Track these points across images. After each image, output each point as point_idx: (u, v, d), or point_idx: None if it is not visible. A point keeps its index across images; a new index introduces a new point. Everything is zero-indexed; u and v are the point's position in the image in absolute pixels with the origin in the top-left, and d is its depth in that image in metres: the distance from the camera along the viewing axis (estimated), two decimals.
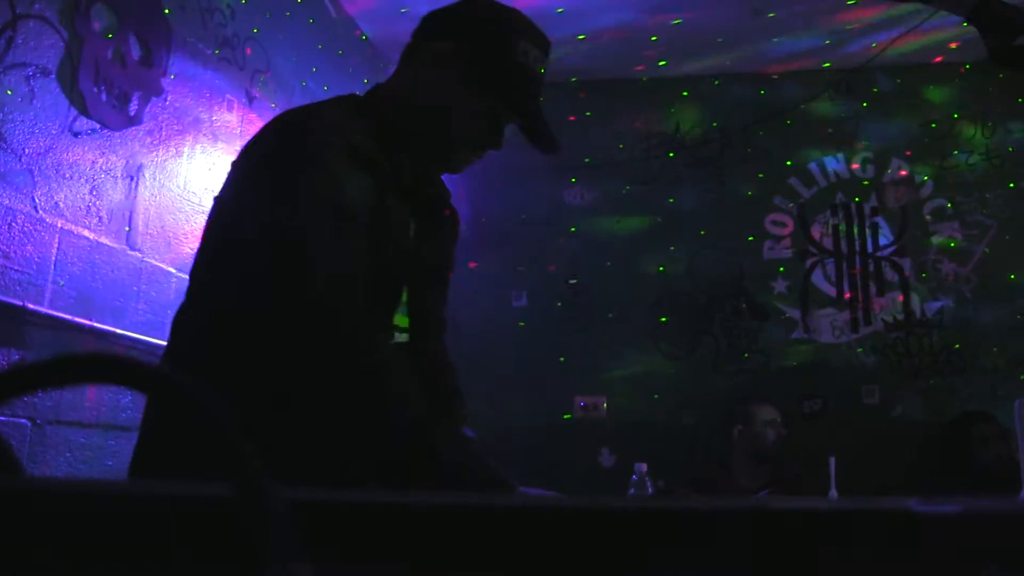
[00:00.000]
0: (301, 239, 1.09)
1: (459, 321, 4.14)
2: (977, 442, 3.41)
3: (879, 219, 4.11)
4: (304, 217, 1.10)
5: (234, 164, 1.25)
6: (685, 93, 4.36)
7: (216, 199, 1.27)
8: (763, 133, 4.24)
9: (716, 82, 4.33)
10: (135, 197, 2.45)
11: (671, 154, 4.29)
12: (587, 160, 4.30)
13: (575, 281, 4.20)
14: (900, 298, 4.00)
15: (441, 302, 1.44)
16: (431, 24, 1.38)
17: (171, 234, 2.61)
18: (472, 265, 4.19)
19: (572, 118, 4.37)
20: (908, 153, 4.13)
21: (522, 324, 4.18)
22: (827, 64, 4.21)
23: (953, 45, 4.00)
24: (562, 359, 4.10)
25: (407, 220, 1.29)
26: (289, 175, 1.13)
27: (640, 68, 4.29)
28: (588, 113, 4.38)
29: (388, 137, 1.27)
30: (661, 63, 4.25)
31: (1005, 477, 3.27)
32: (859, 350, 3.96)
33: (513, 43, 1.31)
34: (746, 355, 4.04)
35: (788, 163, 4.21)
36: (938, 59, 4.15)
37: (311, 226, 1.10)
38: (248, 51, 3.03)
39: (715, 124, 4.30)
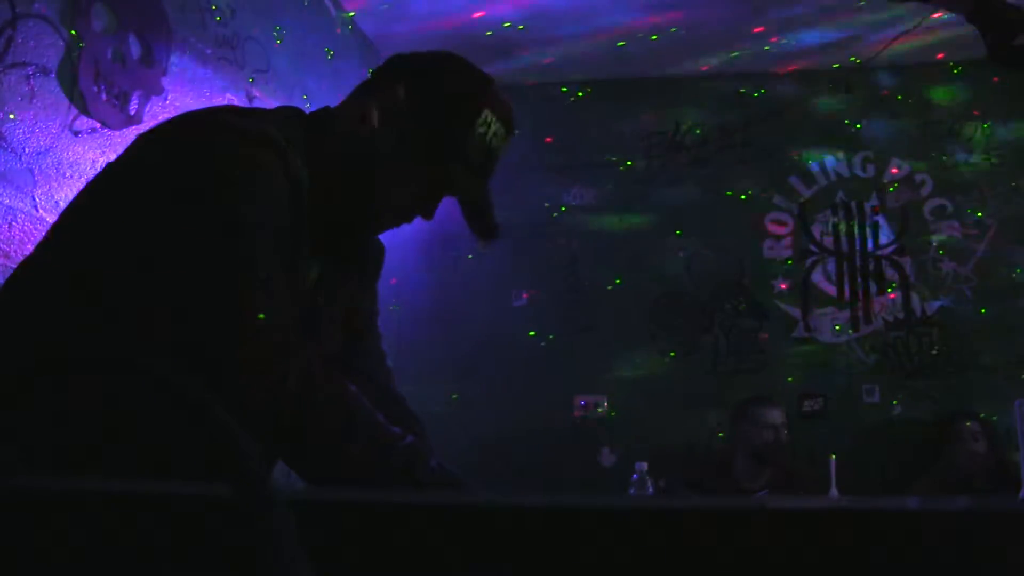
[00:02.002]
0: (246, 272, 1.00)
1: (459, 321, 4.17)
2: (954, 440, 3.42)
3: (879, 218, 4.11)
4: (250, 250, 1.02)
5: (149, 142, 1.10)
6: (685, 92, 4.36)
7: (114, 172, 1.11)
8: (763, 132, 4.24)
9: (716, 81, 4.33)
10: None
11: (671, 154, 4.29)
12: (587, 160, 4.30)
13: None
14: (899, 297, 4.00)
15: (363, 336, 1.35)
16: (397, 65, 1.25)
17: None
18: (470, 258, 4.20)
19: (572, 118, 4.37)
20: (908, 152, 4.13)
21: (522, 324, 4.18)
22: (827, 63, 4.21)
23: (953, 44, 4.00)
24: (562, 359, 4.10)
25: (307, 264, 1.18)
26: (225, 190, 1.03)
27: (640, 67, 4.29)
28: (588, 113, 4.38)
29: (320, 174, 1.15)
30: (661, 62, 4.24)
31: (980, 475, 3.27)
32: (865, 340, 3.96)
33: (476, 112, 1.18)
34: (746, 354, 4.04)
35: (788, 162, 4.21)
36: (938, 58, 4.14)
37: (256, 258, 1.02)
38: (248, 50, 3.03)
39: (715, 123, 4.30)
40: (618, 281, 4.17)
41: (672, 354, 4.08)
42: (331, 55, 3.65)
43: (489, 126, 1.18)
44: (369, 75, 1.29)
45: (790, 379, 3.95)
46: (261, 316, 1.00)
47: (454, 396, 4.05)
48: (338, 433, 1.01)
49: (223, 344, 0.99)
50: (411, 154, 1.18)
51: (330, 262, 1.23)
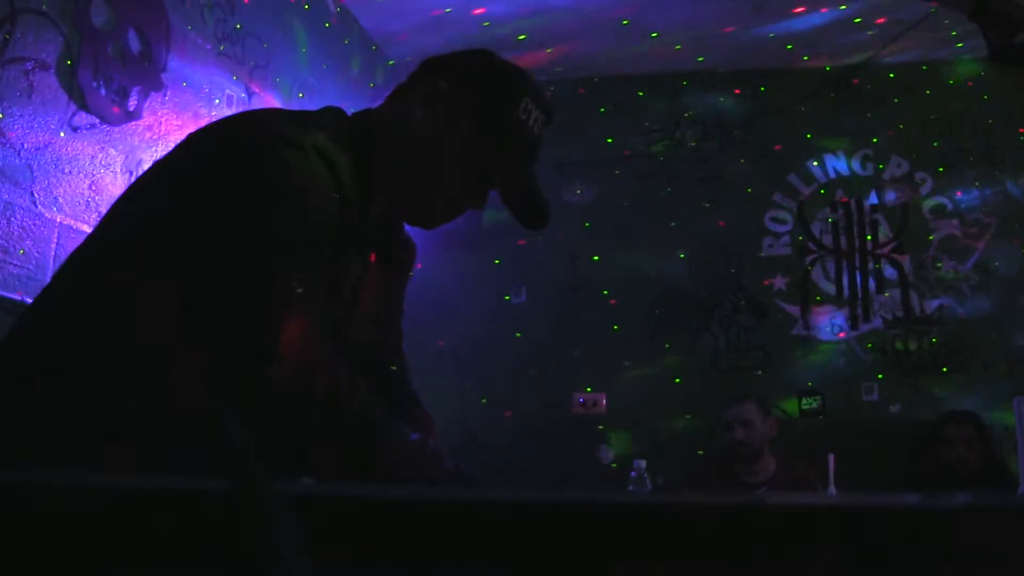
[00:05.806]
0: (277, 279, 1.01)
1: (459, 317, 4.17)
2: (944, 443, 3.39)
3: (879, 216, 4.11)
4: (283, 254, 1.03)
5: (196, 144, 1.11)
6: (685, 90, 4.36)
7: (161, 171, 1.12)
8: (763, 130, 4.23)
9: (716, 79, 4.32)
10: None
11: (671, 151, 4.29)
12: (587, 158, 4.29)
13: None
14: (898, 296, 4.00)
15: (390, 335, 1.37)
16: (434, 65, 1.28)
17: None
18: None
19: (573, 115, 4.36)
20: (908, 150, 4.13)
21: (521, 321, 4.18)
22: (827, 61, 4.20)
23: (954, 43, 3.99)
24: (562, 356, 4.10)
25: (351, 264, 1.19)
26: (266, 200, 1.03)
27: (640, 64, 4.29)
28: (588, 111, 4.38)
29: (368, 174, 1.17)
30: (661, 59, 4.24)
31: (968, 479, 3.25)
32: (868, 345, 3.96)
33: (517, 99, 1.22)
34: (745, 352, 4.04)
35: (788, 160, 4.20)
36: (939, 56, 4.14)
37: (289, 264, 1.03)
38: (248, 46, 3.02)
39: (715, 121, 4.30)
40: (618, 278, 4.17)
41: (671, 351, 4.08)
42: (331, 52, 3.65)
43: (530, 112, 1.22)
44: (407, 79, 1.30)
45: (789, 377, 3.95)
46: (290, 330, 1.01)
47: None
48: (365, 448, 1.04)
49: (252, 357, 0.99)
50: (459, 144, 1.21)
51: (371, 262, 1.24)
